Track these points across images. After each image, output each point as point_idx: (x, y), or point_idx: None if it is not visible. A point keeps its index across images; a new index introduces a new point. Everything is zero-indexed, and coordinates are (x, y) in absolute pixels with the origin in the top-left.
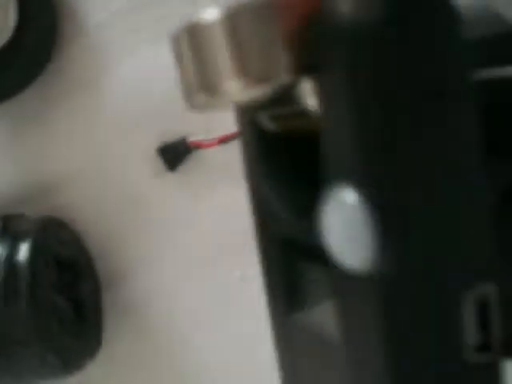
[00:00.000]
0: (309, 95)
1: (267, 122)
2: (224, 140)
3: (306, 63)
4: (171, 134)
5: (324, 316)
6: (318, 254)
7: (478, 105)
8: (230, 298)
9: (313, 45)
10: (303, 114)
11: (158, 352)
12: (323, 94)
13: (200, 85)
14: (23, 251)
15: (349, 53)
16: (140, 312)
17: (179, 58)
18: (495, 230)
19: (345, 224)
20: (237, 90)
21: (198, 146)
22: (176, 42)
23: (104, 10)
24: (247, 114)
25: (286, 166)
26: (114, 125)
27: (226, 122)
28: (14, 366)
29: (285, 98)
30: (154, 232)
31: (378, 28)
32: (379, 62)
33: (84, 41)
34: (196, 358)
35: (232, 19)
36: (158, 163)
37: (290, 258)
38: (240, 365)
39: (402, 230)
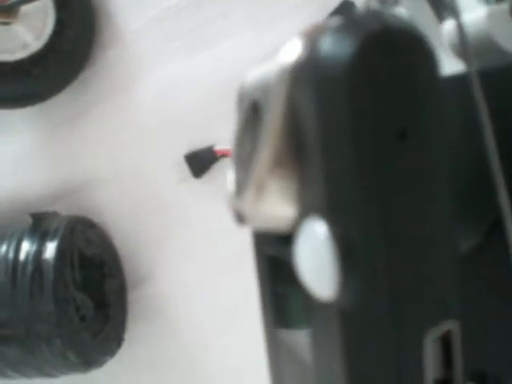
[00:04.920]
0: None
1: None
2: None
3: None
4: (199, 142)
5: (303, 338)
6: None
7: (454, 144)
8: (253, 303)
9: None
10: None
11: (178, 352)
12: None
13: None
14: (50, 249)
15: (320, 94)
16: (164, 311)
17: None
18: (472, 267)
19: (313, 254)
20: None
21: (224, 155)
22: None
23: (140, 18)
24: None
25: None
26: (144, 130)
27: None
28: (36, 360)
29: None
30: (180, 235)
31: (345, 72)
32: (348, 101)
33: (119, 47)
34: (215, 360)
35: None
36: (186, 169)
37: (278, 278)
38: (256, 368)
39: (367, 266)
